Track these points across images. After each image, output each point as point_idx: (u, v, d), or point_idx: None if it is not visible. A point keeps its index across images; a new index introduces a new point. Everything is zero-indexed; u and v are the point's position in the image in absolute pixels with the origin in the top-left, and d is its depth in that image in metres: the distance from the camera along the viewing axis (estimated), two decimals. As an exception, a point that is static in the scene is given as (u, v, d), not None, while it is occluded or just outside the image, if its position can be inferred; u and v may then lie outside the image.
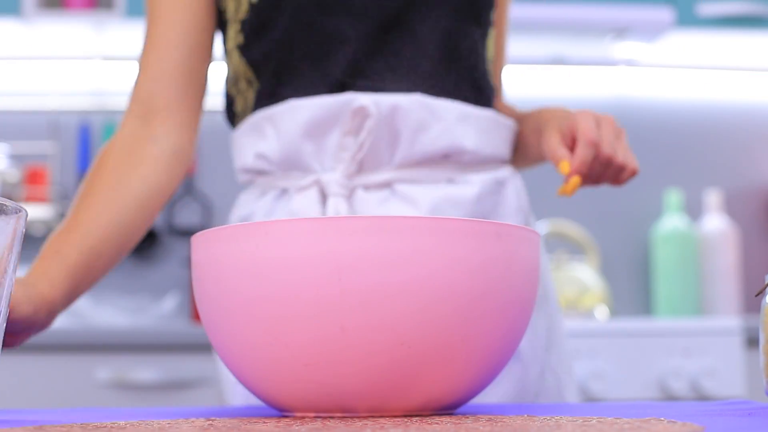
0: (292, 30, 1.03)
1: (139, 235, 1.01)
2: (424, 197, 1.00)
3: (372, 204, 1.00)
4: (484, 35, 1.08)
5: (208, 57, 1.09)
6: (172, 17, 1.05)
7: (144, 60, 1.06)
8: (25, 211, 0.60)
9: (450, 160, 1.03)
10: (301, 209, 1.00)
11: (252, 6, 1.04)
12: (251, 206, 1.08)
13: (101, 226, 0.96)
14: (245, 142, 1.07)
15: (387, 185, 1.01)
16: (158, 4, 1.06)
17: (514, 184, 1.08)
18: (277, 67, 1.04)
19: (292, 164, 1.03)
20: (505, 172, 1.07)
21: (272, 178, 1.05)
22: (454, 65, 1.04)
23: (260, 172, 1.07)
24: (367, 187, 1.01)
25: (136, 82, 1.06)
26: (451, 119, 1.02)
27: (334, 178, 1.00)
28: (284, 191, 1.05)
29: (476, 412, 0.71)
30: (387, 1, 1.02)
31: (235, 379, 1.05)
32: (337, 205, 0.99)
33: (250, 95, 1.08)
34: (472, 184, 1.03)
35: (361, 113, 0.99)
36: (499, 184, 1.06)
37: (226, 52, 1.10)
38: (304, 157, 1.02)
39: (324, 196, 1.01)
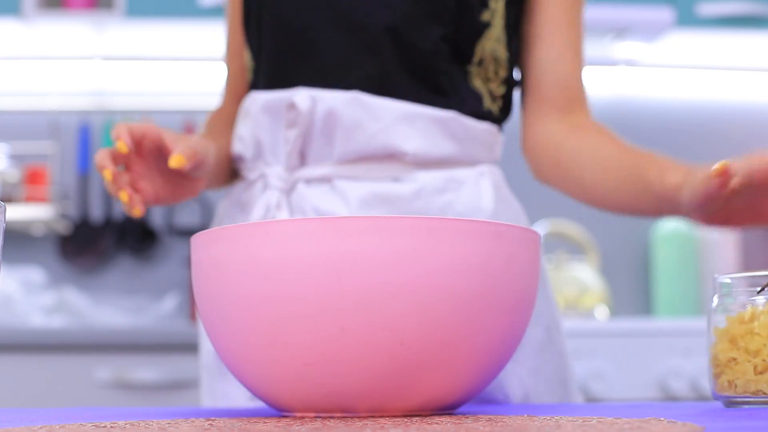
0: (264, 23, 1.07)
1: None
2: (356, 192, 1.01)
3: (308, 198, 1.02)
4: (466, 37, 1.05)
5: None
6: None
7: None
8: (4, 205, 0.61)
9: (394, 160, 1.03)
10: (247, 201, 1.06)
11: None
12: (224, 201, 1.13)
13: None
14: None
15: (327, 180, 1.03)
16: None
17: (477, 183, 1.04)
18: (255, 59, 1.10)
19: (257, 155, 1.07)
20: (470, 172, 1.04)
21: (245, 168, 1.09)
22: (407, 65, 1.03)
23: (240, 158, 1.10)
24: (308, 181, 1.03)
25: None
26: (389, 119, 1.01)
27: (275, 171, 1.04)
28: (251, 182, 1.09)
29: (476, 412, 0.71)
30: None
31: (202, 364, 1.08)
32: (269, 198, 1.02)
33: None
34: (412, 182, 1.02)
35: (294, 109, 1.02)
36: (455, 183, 1.03)
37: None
38: (263, 149, 1.06)
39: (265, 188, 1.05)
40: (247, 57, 1.12)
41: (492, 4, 1.06)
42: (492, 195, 1.05)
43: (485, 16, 1.06)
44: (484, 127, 1.06)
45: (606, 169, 1.03)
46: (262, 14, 1.07)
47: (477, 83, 1.07)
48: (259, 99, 1.06)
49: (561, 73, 1.09)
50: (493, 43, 1.07)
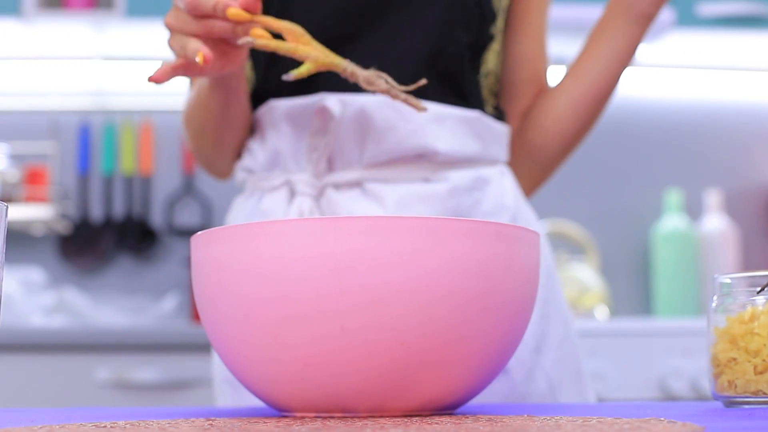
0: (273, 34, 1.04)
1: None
2: (391, 194, 1.01)
3: (340, 203, 1.01)
4: (479, 46, 1.08)
5: None
6: None
7: None
8: (6, 206, 0.61)
9: (424, 160, 1.03)
10: (269, 209, 1.03)
11: None
12: (238, 210, 1.10)
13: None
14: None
15: (357, 184, 1.02)
16: None
17: (501, 182, 1.07)
18: (264, 64, 1.07)
19: (273, 164, 1.05)
20: (493, 170, 1.07)
21: (257, 178, 1.07)
22: (436, 71, 1.04)
23: (249, 171, 1.09)
24: (337, 186, 1.02)
25: None
26: (421, 120, 1.02)
27: (302, 178, 1.02)
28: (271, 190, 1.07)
29: (476, 412, 0.71)
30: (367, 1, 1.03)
31: (223, 378, 1.07)
32: (301, 204, 1.01)
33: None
34: (445, 181, 1.03)
35: (325, 114, 1.00)
36: (482, 181, 1.05)
37: None
38: (282, 158, 1.04)
39: (293, 196, 1.03)
40: (246, 68, 1.09)
41: (499, 20, 1.11)
42: (514, 192, 1.08)
43: (493, 29, 1.10)
44: (501, 127, 1.09)
45: (575, 72, 1.13)
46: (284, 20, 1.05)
47: (485, 94, 1.10)
48: (280, 107, 1.03)
49: (539, 69, 1.18)
50: (494, 56, 1.11)
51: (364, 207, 1.01)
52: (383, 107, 1.01)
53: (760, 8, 2.47)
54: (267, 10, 1.03)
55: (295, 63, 1.03)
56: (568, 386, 1.07)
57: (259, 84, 1.08)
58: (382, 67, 1.02)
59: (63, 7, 2.40)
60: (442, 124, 1.03)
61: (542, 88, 1.18)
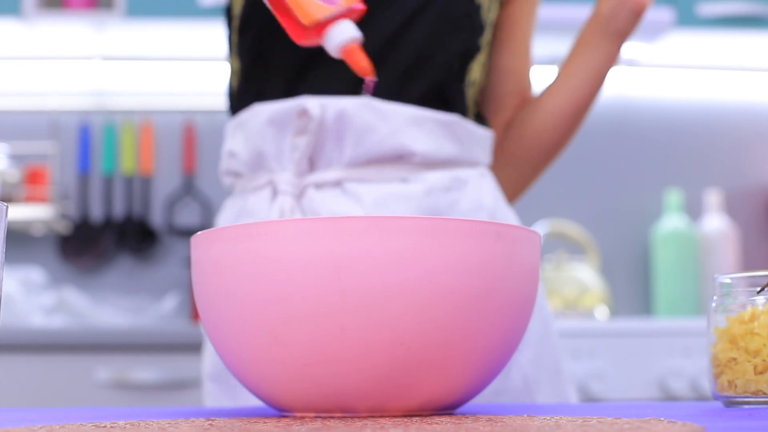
0: (261, 32, 1.07)
1: None
2: (369, 193, 1.03)
3: (321, 202, 1.03)
4: (466, 56, 1.09)
5: None
6: None
7: None
8: (6, 206, 0.61)
9: (403, 161, 1.05)
10: (253, 208, 1.06)
11: (245, 1, 1.10)
12: (227, 212, 1.13)
13: None
14: (224, 146, 1.13)
15: (337, 184, 1.05)
16: None
17: (479, 183, 1.09)
18: (248, 67, 1.10)
19: (257, 165, 1.07)
20: (472, 172, 1.09)
21: (243, 180, 1.10)
22: (422, 78, 1.06)
23: (235, 174, 1.11)
24: (318, 186, 1.04)
25: None
26: (399, 122, 1.04)
27: (284, 177, 1.04)
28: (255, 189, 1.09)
29: (476, 412, 0.71)
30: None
31: (209, 377, 1.08)
32: (282, 203, 1.03)
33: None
34: (422, 182, 1.05)
35: (305, 116, 1.03)
36: (459, 182, 1.07)
37: (231, 46, 1.14)
38: (266, 159, 1.06)
39: (276, 195, 1.05)
40: (235, 63, 1.12)
41: (486, 32, 1.12)
42: (492, 193, 1.10)
43: (481, 41, 1.12)
44: (482, 131, 1.11)
45: (555, 86, 1.17)
46: (261, 28, 1.07)
47: (469, 103, 1.12)
48: (264, 111, 1.06)
49: (523, 83, 1.22)
50: (479, 67, 1.12)
51: (343, 206, 1.03)
52: (363, 109, 1.03)
53: (760, 8, 2.47)
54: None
55: (285, 58, 1.04)
56: (545, 384, 1.08)
57: (242, 84, 1.10)
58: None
59: (63, 7, 2.40)
60: (420, 127, 1.05)
61: (525, 101, 1.22)
